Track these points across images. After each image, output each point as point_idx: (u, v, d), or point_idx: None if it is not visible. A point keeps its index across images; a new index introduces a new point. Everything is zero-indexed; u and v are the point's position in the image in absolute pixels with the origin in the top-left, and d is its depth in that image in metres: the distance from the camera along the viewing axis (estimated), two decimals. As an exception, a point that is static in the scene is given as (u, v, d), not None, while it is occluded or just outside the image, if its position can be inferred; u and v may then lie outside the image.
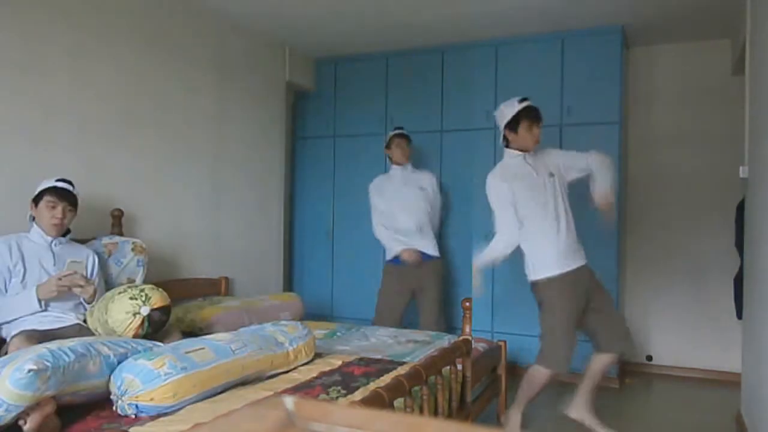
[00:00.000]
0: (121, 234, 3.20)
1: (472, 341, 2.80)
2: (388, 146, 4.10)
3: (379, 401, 1.80)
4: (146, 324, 2.34)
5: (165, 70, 3.67)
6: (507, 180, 2.95)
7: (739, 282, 3.63)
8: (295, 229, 5.29)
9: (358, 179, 4.59)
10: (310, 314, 4.23)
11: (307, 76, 5.09)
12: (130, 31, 3.43)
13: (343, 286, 4.99)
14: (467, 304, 2.92)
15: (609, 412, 3.68)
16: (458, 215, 4.55)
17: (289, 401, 0.56)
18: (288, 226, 5.16)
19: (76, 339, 2.04)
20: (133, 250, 3.04)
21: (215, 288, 3.88)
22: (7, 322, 2.44)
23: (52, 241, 2.60)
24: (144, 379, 1.89)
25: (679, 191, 4.56)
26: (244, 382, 2.23)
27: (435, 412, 2.29)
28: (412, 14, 4.09)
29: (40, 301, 2.44)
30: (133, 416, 1.89)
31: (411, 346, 3.08)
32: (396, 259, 3.95)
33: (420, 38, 4.58)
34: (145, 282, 2.97)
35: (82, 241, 2.85)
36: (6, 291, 2.47)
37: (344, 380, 2.31)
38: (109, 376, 1.95)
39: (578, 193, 3.06)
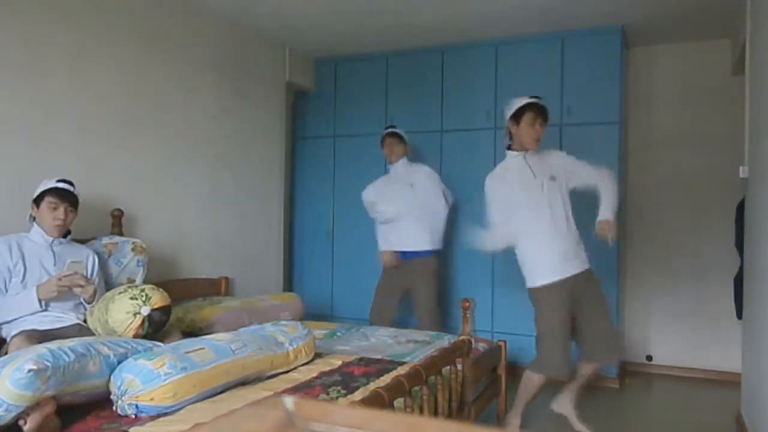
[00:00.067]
0: (121, 234, 3.20)
1: (472, 341, 2.80)
2: (382, 146, 4.11)
3: (379, 401, 1.80)
4: (146, 324, 2.35)
5: (165, 70, 3.67)
6: (505, 181, 2.94)
7: (739, 282, 3.63)
8: (295, 229, 5.29)
9: (358, 179, 4.59)
10: (310, 314, 4.23)
11: (307, 76, 5.09)
12: (130, 31, 3.43)
13: (343, 286, 4.99)
14: (466, 304, 2.91)
15: (609, 412, 3.68)
16: (458, 215, 4.55)
17: (289, 401, 0.56)
18: (288, 226, 5.16)
19: (76, 339, 2.04)
20: (133, 250, 3.04)
21: (215, 288, 3.88)
22: (7, 322, 2.44)
23: (52, 241, 2.60)
24: (144, 379, 1.89)
25: (679, 191, 4.56)
26: (244, 382, 2.23)
27: (435, 412, 2.29)
28: (412, 14, 4.09)
29: (40, 301, 2.44)
30: (133, 416, 1.89)
31: (411, 346, 3.08)
32: None
33: (420, 38, 4.58)
34: (145, 282, 2.98)
35: (83, 241, 2.85)
36: (6, 291, 2.47)
37: (344, 380, 2.31)
38: (109, 376, 1.95)
39: (580, 193, 3.05)
